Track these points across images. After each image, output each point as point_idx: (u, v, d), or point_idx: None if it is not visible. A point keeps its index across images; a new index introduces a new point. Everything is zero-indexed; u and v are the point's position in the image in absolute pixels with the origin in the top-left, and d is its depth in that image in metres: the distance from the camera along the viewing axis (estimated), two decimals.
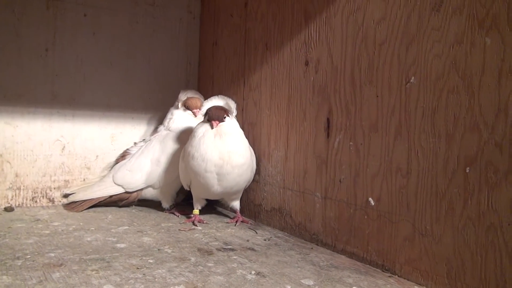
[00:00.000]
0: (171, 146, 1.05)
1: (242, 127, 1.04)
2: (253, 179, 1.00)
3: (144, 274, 0.63)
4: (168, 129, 1.09)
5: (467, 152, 0.60)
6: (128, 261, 0.68)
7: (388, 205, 0.71)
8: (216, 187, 0.92)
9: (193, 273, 0.64)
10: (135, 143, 1.14)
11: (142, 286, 0.59)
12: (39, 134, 1.07)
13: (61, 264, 0.65)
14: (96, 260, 0.68)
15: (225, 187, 0.92)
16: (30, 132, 1.06)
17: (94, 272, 0.63)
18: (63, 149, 1.10)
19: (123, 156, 1.11)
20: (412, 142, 0.67)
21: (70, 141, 1.10)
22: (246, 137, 0.98)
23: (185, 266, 0.67)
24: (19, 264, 0.64)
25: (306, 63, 0.88)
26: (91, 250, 0.73)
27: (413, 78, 0.67)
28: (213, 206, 1.10)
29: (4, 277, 0.59)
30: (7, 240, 0.76)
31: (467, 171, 0.60)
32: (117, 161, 1.11)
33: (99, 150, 1.14)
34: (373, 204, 0.73)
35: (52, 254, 0.70)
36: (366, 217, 0.74)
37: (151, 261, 0.69)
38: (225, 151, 0.89)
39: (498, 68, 0.57)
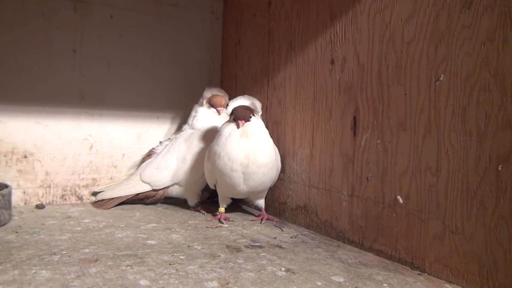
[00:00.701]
0: (196, 144, 1.07)
1: (267, 126, 1.05)
2: (278, 177, 1.01)
3: (177, 270, 0.64)
4: (193, 128, 1.10)
5: (499, 150, 0.60)
6: (160, 257, 0.70)
7: (417, 203, 0.71)
8: (242, 186, 0.93)
9: (224, 269, 0.66)
10: (160, 142, 1.16)
11: (176, 281, 0.60)
12: (68, 133, 1.09)
13: (97, 260, 0.67)
14: (130, 256, 0.69)
15: (251, 187, 0.93)
16: (59, 132, 1.08)
17: (128, 267, 0.64)
18: (91, 148, 1.12)
19: (149, 155, 1.13)
20: (442, 140, 0.67)
21: (98, 140, 1.13)
22: (271, 136, 0.99)
23: (215, 263, 0.68)
24: (56, 259, 0.66)
25: (332, 62, 0.89)
26: (123, 246, 0.75)
27: (442, 76, 0.67)
28: (238, 204, 1.12)
29: (44, 271, 0.61)
30: (42, 236, 0.79)
31: (499, 169, 0.60)
32: (143, 160, 1.13)
33: (126, 148, 1.17)
34: (401, 202, 0.73)
35: (87, 250, 0.72)
36: (394, 215, 0.75)
37: (182, 257, 0.70)
38: (251, 151, 0.90)
39: None
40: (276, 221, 0.99)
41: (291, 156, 1.00)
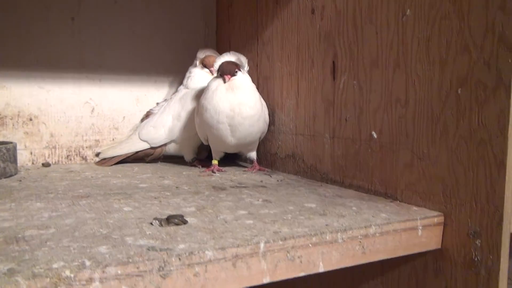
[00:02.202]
0: (190, 102, 1.11)
1: (257, 82, 1.09)
2: (269, 130, 1.05)
3: (160, 201, 0.69)
4: (187, 87, 1.15)
5: (459, 74, 0.62)
6: (147, 194, 0.75)
7: (389, 136, 0.74)
8: (230, 138, 0.97)
9: (205, 201, 0.70)
10: (157, 103, 1.21)
11: (158, 208, 0.65)
12: (70, 97, 1.15)
13: (88, 196, 0.73)
14: (119, 194, 0.75)
15: (239, 138, 0.97)
16: (61, 96, 1.14)
17: (116, 200, 0.70)
18: (92, 111, 1.18)
19: (147, 115, 1.18)
20: (409, 72, 0.70)
21: (99, 104, 1.18)
22: (261, 91, 1.03)
23: (198, 197, 0.73)
24: (51, 196, 0.72)
25: (313, 11, 0.91)
26: (115, 188, 0.80)
27: (408, 10, 0.69)
28: (234, 161, 1.16)
29: (38, 203, 0.67)
30: (43, 183, 0.85)
31: (459, 92, 0.62)
32: (142, 121, 1.18)
33: (126, 111, 1.22)
34: (375, 137, 0.76)
35: (81, 191, 0.77)
36: (370, 150, 0.78)
37: (168, 193, 0.75)
38: (236, 103, 0.94)
39: None
40: (268, 171, 1.03)
41: (280, 108, 1.04)
